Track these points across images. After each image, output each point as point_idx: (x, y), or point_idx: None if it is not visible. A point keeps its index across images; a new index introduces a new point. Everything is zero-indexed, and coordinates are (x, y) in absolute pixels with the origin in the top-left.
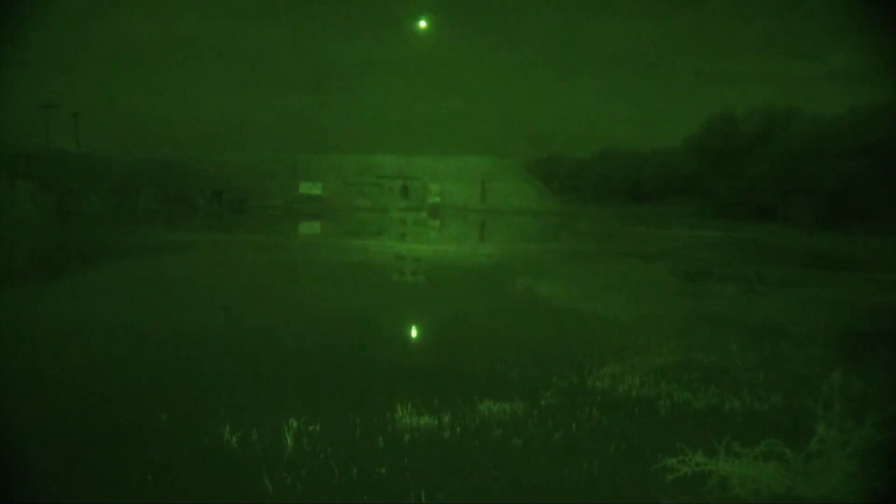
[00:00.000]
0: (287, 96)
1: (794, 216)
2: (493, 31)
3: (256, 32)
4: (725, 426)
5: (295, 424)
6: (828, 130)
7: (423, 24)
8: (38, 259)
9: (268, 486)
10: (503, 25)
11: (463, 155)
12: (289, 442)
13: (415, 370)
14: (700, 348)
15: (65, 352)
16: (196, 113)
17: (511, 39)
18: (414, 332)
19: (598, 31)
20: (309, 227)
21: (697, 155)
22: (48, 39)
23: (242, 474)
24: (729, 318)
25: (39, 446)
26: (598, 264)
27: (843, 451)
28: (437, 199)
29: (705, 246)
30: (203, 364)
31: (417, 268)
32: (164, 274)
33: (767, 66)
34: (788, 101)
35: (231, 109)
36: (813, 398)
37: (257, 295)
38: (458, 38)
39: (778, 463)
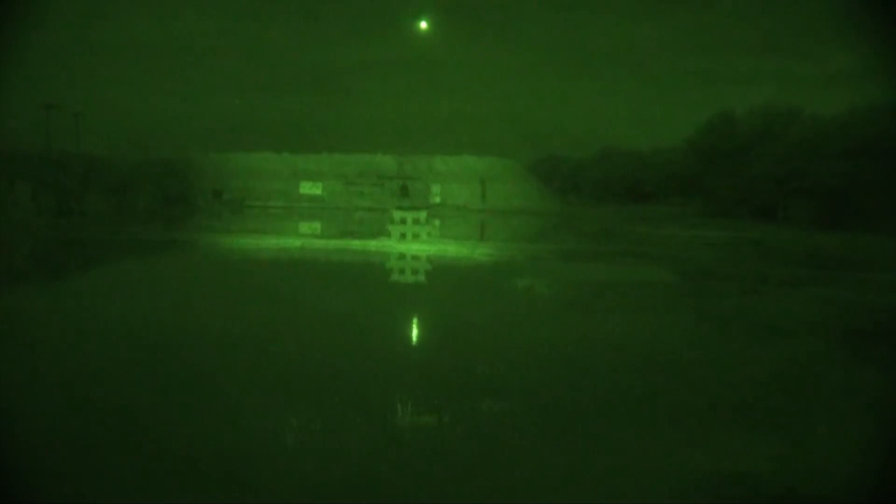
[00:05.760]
0: (287, 96)
1: (794, 216)
2: (492, 30)
3: (256, 32)
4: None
5: None
6: (828, 130)
7: (423, 24)
8: (38, 259)
9: None
10: (503, 25)
11: (463, 155)
12: None
13: None
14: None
15: (64, 352)
16: (196, 113)
17: (511, 39)
18: None
19: (598, 31)
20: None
21: (697, 155)
22: (48, 39)
23: None
24: (730, 317)
25: (42, 446)
26: (598, 264)
27: (844, 450)
28: (437, 200)
29: (705, 246)
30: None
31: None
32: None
33: (767, 66)
34: (788, 101)
35: (231, 109)
36: (813, 398)
37: None
38: (458, 38)
39: (778, 462)
